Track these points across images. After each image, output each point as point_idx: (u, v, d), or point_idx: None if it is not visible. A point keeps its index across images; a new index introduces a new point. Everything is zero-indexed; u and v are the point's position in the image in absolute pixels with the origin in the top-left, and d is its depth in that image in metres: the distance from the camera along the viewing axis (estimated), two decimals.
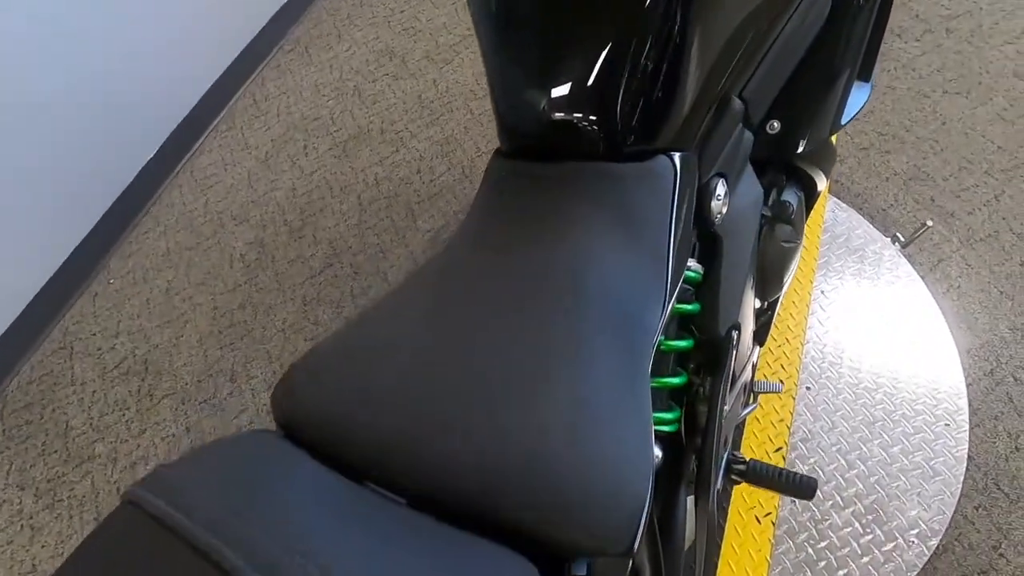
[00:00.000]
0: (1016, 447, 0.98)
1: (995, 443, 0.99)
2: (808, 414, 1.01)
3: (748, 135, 0.57)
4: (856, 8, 0.57)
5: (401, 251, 1.47)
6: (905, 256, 1.18)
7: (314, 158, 1.70)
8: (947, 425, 0.97)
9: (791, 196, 0.67)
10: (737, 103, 0.52)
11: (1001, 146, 1.30)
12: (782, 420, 1.01)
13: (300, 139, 1.76)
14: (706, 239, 0.55)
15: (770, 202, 0.66)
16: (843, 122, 0.63)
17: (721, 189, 0.53)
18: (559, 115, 0.44)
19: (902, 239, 1.14)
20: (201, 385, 1.36)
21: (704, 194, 0.52)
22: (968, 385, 1.04)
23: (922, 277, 1.16)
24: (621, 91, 0.43)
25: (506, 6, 0.46)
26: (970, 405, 1.02)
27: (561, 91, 0.44)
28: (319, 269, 1.48)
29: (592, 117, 0.44)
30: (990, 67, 1.42)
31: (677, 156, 0.47)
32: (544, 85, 0.45)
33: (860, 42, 0.60)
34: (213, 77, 1.88)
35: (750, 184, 0.59)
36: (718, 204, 0.53)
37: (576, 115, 0.44)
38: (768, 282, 0.67)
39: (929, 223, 1.12)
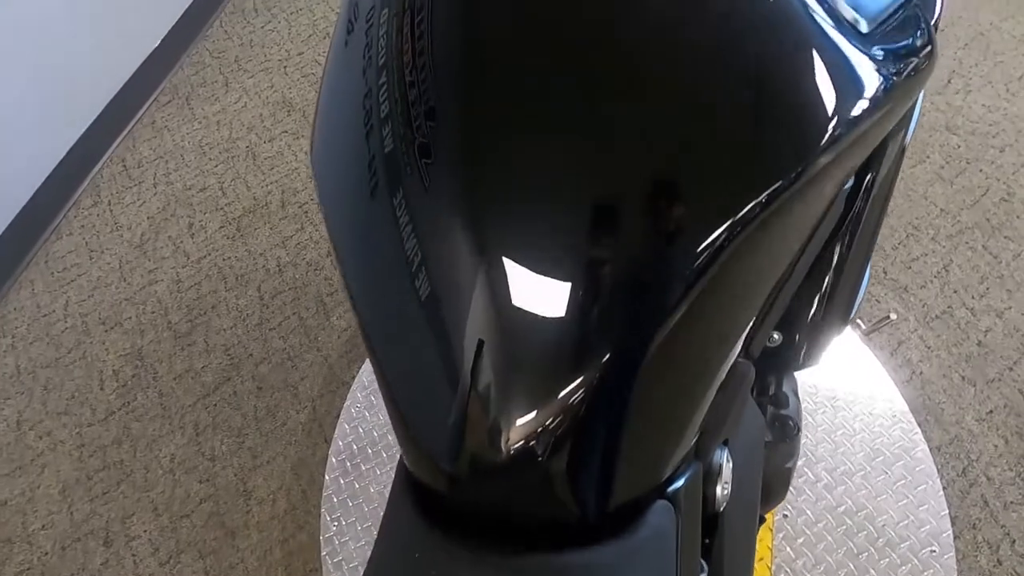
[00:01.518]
0: (998, 560, 0.92)
1: (977, 557, 0.93)
2: (788, 548, 0.91)
3: (750, 368, 0.42)
4: (874, 199, 0.44)
5: (313, 356, 1.25)
6: (866, 342, 1.10)
7: (202, 240, 1.44)
8: (933, 551, 0.89)
9: (788, 389, 0.54)
10: (745, 365, 0.38)
11: (944, 209, 1.27)
12: (761, 559, 0.90)
13: (184, 216, 1.49)
14: (706, 522, 0.40)
15: (768, 417, 0.53)
16: (852, 316, 0.51)
17: (727, 466, 0.38)
18: (509, 455, 0.28)
19: (863, 326, 1.05)
20: (66, 555, 1.09)
21: (708, 480, 0.37)
22: (944, 488, 0.97)
23: (883, 364, 1.09)
24: (601, 437, 0.27)
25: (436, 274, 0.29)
26: (948, 510, 0.95)
27: (515, 422, 0.27)
28: (213, 385, 1.24)
29: (565, 475, 0.27)
30: (923, 120, 1.39)
31: (681, 486, 0.31)
32: (487, 409, 0.28)
33: (875, 231, 0.48)
34: (71, 139, 1.57)
35: (751, 418, 0.45)
36: (724, 487, 0.38)
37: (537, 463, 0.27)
38: (770, 501, 0.55)
39: (892, 316, 1.05)
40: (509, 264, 0.26)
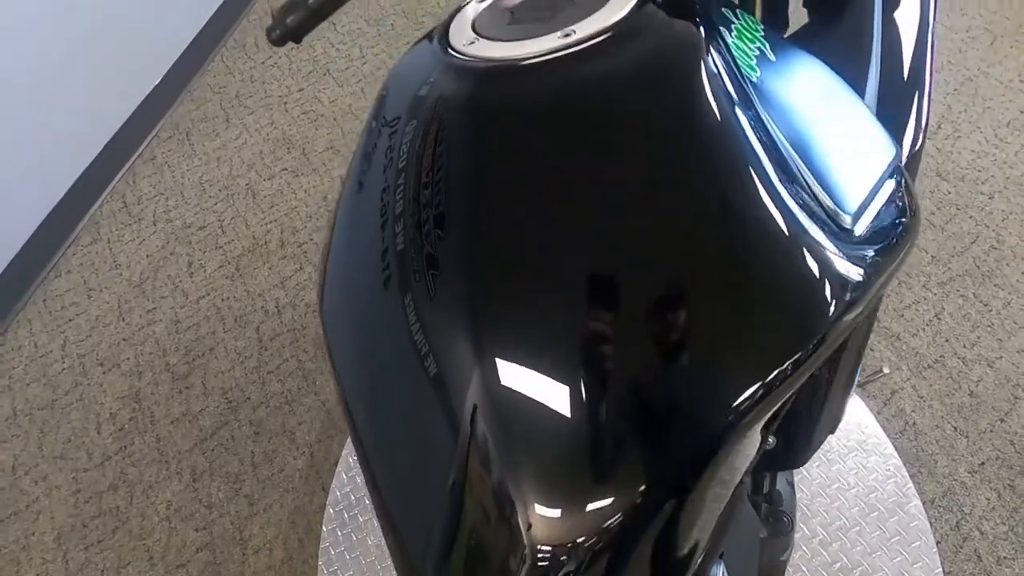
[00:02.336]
0: None
1: None
2: None
3: (745, 483, 0.43)
4: (857, 329, 0.45)
5: (311, 401, 1.25)
6: (859, 393, 1.12)
7: (201, 279, 1.45)
8: None
9: (782, 484, 0.55)
10: (742, 486, 0.38)
11: (935, 256, 1.28)
12: None
13: (183, 254, 1.50)
14: None
15: (763, 514, 0.54)
16: (843, 416, 0.52)
17: None
18: None
19: (857, 379, 1.06)
20: None
21: None
22: (937, 542, 0.98)
23: (876, 415, 1.10)
24: None
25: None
26: (942, 566, 0.96)
27: None
28: (211, 430, 1.24)
29: None
30: None
31: None
32: None
33: (862, 348, 0.49)
34: (73, 175, 1.58)
35: (747, 521, 0.46)
36: None
37: None
38: None
39: (885, 370, 1.06)
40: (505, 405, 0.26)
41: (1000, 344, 1.16)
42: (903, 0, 0.49)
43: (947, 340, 1.18)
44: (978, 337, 1.17)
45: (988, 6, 1.65)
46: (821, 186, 0.29)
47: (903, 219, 0.31)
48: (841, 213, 0.29)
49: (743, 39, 0.36)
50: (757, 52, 0.35)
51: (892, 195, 0.32)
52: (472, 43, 0.30)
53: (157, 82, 1.77)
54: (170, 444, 1.23)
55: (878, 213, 0.31)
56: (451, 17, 0.34)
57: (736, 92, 0.28)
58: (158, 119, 1.78)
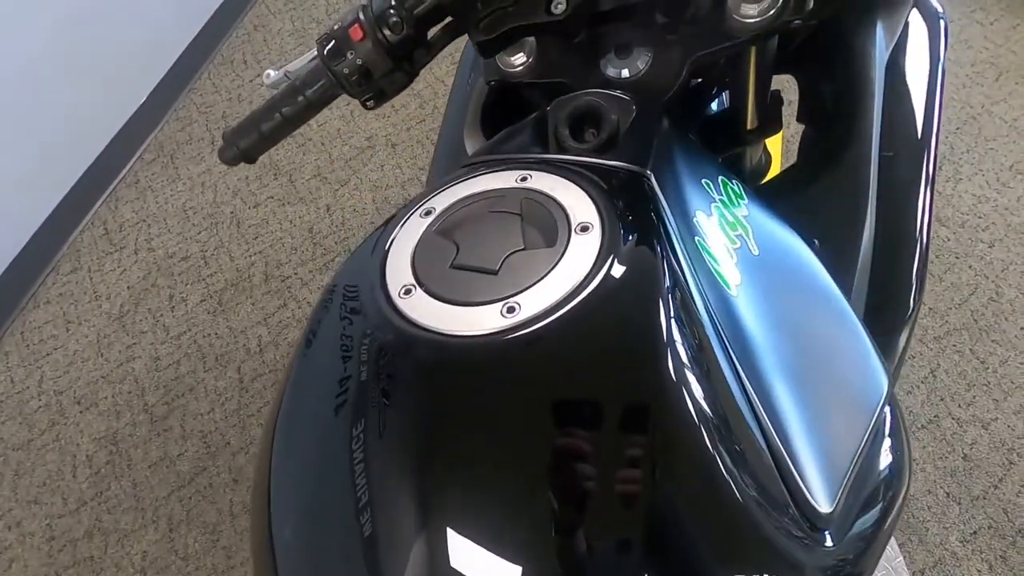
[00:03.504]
0: None
1: None
2: None
3: None
4: None
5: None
6: None
7: (182, 314, 1.42)
8: None
9: None
10: None
11: (932, 307, 1.25)
12: None
13: (165, 287, 1.47)
14: None
15: None
16: None
17: None
18: None
19: None
20: None
21: None
22: None
23: None
24: None
25: None
26: None
27: None
28: (189, 476, 1.21)
29: None
30: None
31: None
32: None
33: None
34: (53, 200, 1.54)
35: None
36: None
37: None
38: None
39: None
40: None
41: (996, 404, 1.13)
42: (900, 148, 0.46)
43: (942, 399, 1.15)
44: (974, 396, 1.14)
45: (994, 39, 1.61)
46: (796, 470, 0.26)
47: (890, 490, 0.29)
48: (816, 506, 0.26)
49: (724, 221, 0.33)
50: (738, 243, 0.32)
51: (876, 450, 0.29)
52: (409, 292, 0.27)
53: (143, 101, 1.72)
54: (147, 490, 1.21)
55: (861, 481, 0.28)
56: (394, 229, 0.31)
57: (699, 360, 0.25)
58: (143, 140, 1.74)
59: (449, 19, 0.42)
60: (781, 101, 0.59)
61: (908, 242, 0.42)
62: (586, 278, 0.25)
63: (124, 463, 1.24)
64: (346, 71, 0.41)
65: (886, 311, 0.42)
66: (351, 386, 0.27)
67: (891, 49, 0.47)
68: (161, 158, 1.71)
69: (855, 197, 0.40)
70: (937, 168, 0.47)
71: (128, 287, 1.48)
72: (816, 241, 0.39)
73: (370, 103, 0.44)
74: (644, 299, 0.25)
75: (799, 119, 0.53)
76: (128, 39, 1.67)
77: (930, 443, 1.11)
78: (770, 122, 0.59)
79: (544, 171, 0.30)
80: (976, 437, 1.11)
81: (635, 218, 0.28)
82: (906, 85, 0.48)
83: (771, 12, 0.37)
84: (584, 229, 0.27)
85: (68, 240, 1.57)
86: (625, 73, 0.41)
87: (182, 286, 1.46)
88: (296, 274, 1.45)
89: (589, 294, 0.25)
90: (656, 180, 0.30)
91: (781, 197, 0.42)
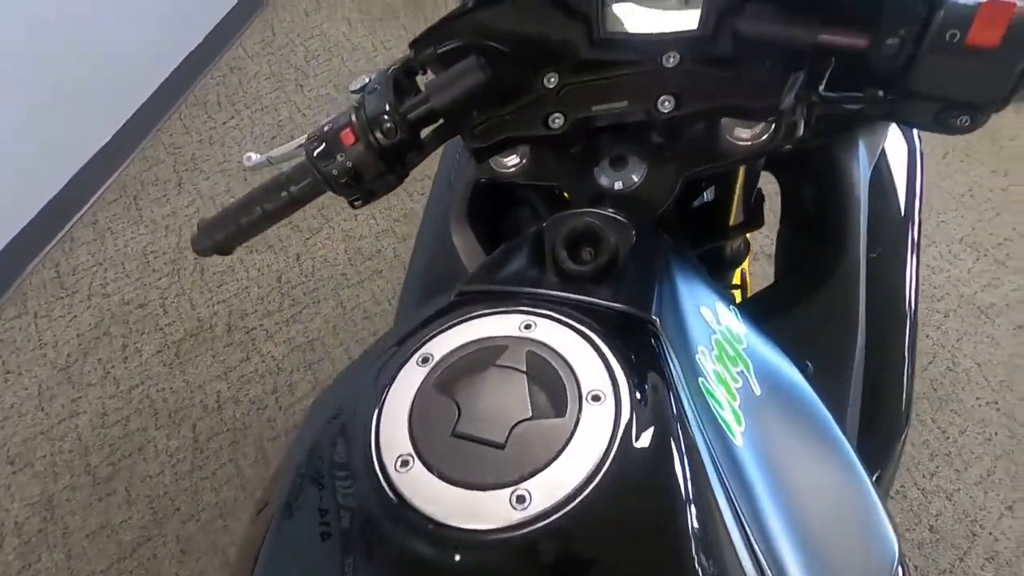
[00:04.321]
0: None
1: None
2: None
3: None
4: None
5: (248, 515, 1.15)
6: None
7: (136, 365, 1.34)
8: None
9: None
10: None
11: None
12: None
13: (118, 335, 1.39)
14: None
15: None
16: None
17: None
18: None
19: None
20: None
21: None
22: None
23: None
24: None
25: None
26: None
27: None
28: (131, 546, 1.12)
29: None
30: None
31: None
32: None
33: None
34: (2, 239, 1.46)
35: None
36: None
37: None
38: None
39: None
40: None
41: (958, 475, 1.16)
42: (886, 250, 0.47)
43: (907, 469, 1.17)
44: (937, 467, 1.17)
45: None
46: None
47: None
48: None
49: (725, 355, 0.32)
50: (740, 381, 0.31)
51: None
52: (406, 464, 0.25)
53: (108, 139, 1.67)
54: (83, 562, 1.11)
55: None
56: (388, 376, 0.29)
57: (715, 538, 0.24)
58: (105, 179, 1.68)
59: (442, 121, 0.42)
60: (763, 199, 0.61)
61: (898, 358, 0.43)
62: (600, 462, 0.24)
63: (59, 531, 1.14)
64: (335, 173, 0.40)
65: (880, 429, 0.42)
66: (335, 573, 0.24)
67: (873, 163, 0.49)
68: (123, 198, 1.65)
69: (846, 318, 0.41)
70: (920, 267, 0.48)
71: (77, 335, 1.39)
72: (809, 364, 0.39)
73: (358, 203, 0.43)
74: (660, 480, 0.24)
75: (782, 221, 0.54)
76: (96, 76, 1.63)
77: (898, 514, 1.12)
78: (753, 218, 0.61)
79: (548, 318, 0.29)
80: (941, 508, 1.12)
81: (645, 380, 0.27)
82: (887, 192, 0.50)
83: (763, 137, 0.38)
84: (595, 399, 0.25)
85: (15, 283, 1.48)
86: (619, 185, 0.41)
87: (137, 335, 1.39)
88: (261, 325, 1.39)
89: (603, 480, 0.23)
90: (661, 324, 0.30)
91: (773, 315, 0.42)
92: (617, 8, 0.40)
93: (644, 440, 0.25)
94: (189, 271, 1.49)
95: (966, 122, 0.31)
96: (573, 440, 0.24)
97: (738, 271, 0.76)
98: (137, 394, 1.30)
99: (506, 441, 0.24)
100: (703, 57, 0.36)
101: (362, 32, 2.07)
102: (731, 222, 0.58)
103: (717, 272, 0.72)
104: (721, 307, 0.36)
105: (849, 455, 0.32)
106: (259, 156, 0.57)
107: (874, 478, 0.45)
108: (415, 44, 0.48)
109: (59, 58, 1.52)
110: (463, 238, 0.51)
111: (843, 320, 0.41)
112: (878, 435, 0.43)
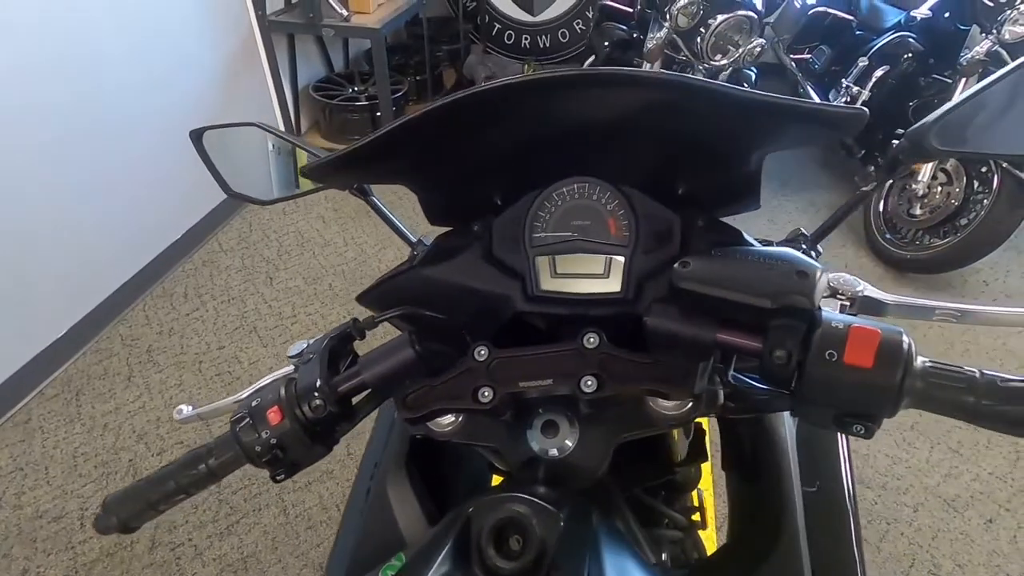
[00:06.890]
0: None
1: None
2: None
3: None
4: None
5: None
6: None
7: None
8: None
9: None
10: None
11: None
12: None
13: (20, 558, 1.22)
14: None
15: None
16: None
17: None
18: None
19: None
20: None
21: None
22: None
23: None
24: None
25: None
26: None
27: None
28: None
29: None
30: None
31: None
32: None
33: None
34: None
35: None
36: None
37: None
38: None
39: None
40: None
41: None
42: (822, 482, 0.47)
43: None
44: None
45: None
46: None
47: None
48: None
49: None
50: None
51: None
52: None
53: (61, 334, 1.64)
54: None
55: None
56: None
57: None
58: (50, 372, 1.61)
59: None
60: (704, 433, 0.62)
61: None
62: None
63: None
64: (258, 449, 0.39)
65: None
66: None
67: None
68: (64, 394, 1.57)
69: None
70: (857, 501, 0.48)
71: None
72: None
73: (280, 477, 0.42)
74: None
75: (723, 467, 0.55)
76: (66, 269, 1.65)
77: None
78: (696, 453, 0.61)
79: None
80: None
81: None
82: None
83: (685, 408, 0.40)
84: None
85: None
86: (554, 452, 0.41)
87: (42, 556, 1.22)
88: (190, 540, 1.25)
89: None
90: None
91: None
92: (548, 271, 0.45)
93: None
94: (120, 475, 1.37)
95: (860, 431, 0.33)
96: None
97: (694, 492, 0.75)
98: None
99: None
100: (621, 339, 0.39)
101: (335, 229, 2.22)
102: (675, 459, 0.58)
103: (674, 496, 0.70)
104: None
105: None
106: (190, 410, 0.57)
107: None
108: (361, 298, 0.51)
109: (25, 246, 1.54)
110: (400, 495, 0.49)
111: None
112: None
